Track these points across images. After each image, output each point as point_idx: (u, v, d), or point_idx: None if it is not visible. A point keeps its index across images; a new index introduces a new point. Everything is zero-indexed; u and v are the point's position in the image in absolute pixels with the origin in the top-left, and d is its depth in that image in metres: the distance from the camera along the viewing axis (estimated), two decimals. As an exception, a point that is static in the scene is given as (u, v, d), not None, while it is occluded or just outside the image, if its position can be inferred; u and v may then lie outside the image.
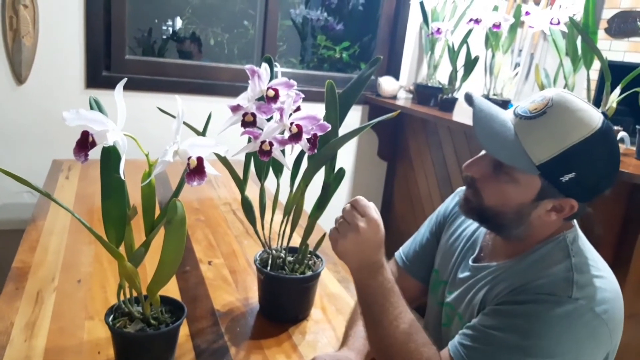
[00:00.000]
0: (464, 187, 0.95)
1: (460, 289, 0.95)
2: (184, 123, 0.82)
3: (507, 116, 0.83)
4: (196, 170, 0.73)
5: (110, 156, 0.76)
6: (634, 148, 1.75)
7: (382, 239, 0.87)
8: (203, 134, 0.87)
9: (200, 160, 0.73)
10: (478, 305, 0.88)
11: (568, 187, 0.79)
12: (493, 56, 2.22)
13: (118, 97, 0.72)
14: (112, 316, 0.86)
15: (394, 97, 2.64)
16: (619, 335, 0.82)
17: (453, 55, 2.28)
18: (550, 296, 0.78)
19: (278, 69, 0.97)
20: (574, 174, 0.78)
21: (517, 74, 2.32)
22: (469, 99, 0.84)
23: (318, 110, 0.89)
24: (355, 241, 0.85)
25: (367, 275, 0.86)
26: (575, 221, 0.89)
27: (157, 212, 0.84)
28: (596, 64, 1.87)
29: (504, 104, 2.13)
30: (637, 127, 1.69)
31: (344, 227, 0.87)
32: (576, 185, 0.79)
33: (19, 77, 2.02)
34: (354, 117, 2.66)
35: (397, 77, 2.69)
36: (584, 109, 0.79)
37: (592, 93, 1.86)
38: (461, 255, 1.00)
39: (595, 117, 0.79)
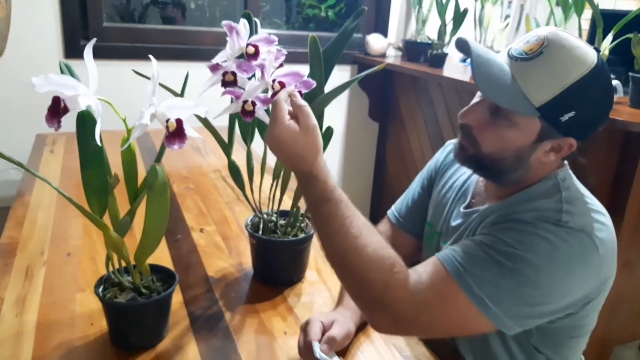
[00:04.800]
0: (453, 140, 0.93)
1: (453, 237, 0.94)
2: (161, 85, 0.79)
3: (502, 59, 0.81)
4: (176, 133, 0.70)
5: (86, 122, 0.72)
6: (626, 97, 1.73)
7: (303, 147, 0.76)
8: (181, 95, 0.84)
9: (179, 122, 0.70)
10: None
11: (567, 126, 0.78)
12: (482, 8, 2.17)
13: (88, 59, 0.68)
14: (102, 287, 0.85)
15: (383, 55, 2.59)
16: (609, 271, 0.81)
17: (441, 8, 2.22)
18: (538, 220, 0.78)
19: (259, 28, 0.93)
20: (573, 112, 0.77)
21: (507, 25, 2.27)
22: (463, 44, 0.81)
23: (304, 71, 0.86)
24: (271, 142, 0.77)
25: (301, 185, 0.80)
26: (566, 162, 0.88)
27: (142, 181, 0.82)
28: (587, 13, 1.83)
29: (495, 57, 2.08)
30: (630, 74, 1.66)
31: (270, 121, 0.77)
32: (575, 124, 0.78)
33: (-5, 50, 1.96)
34: (343, 77, 2.61)
35: (385, 35, 2.63)
36: (579, 45, 0.77)
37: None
38: (453, 204, 0.99)
39: (591, 54, 0.77)
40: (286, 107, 0.76)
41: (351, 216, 0.77)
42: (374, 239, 0.77)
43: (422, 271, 0.78)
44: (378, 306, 0.76)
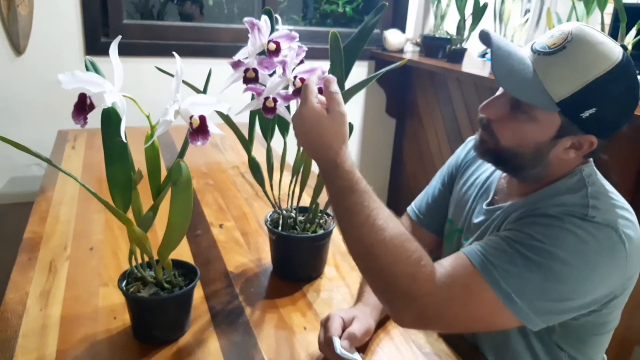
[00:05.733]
0: (473, 137, 0.92)
1: (475, 234, 0.94)
2: (184, 82, 0.80)
3: (524, 53, 0.80)
4: (199, 130, 0.70)
5: (110, 119, 0.73)
6: (650, 91, 1.70)
7: (331, 133, 0.75)
8: (204, 92, 0.84)
9: (202, 118, 0.70)
10: None
11: (588, 123, 0.77)
12: (502, 2, 2.14)
13: (113, 57, 0.69)
14: (125, 281, 0.86)
15: (401, 51, 2.57)
16: (634, 268, 0.80)
17: (461, 3, 2.19)
18: (565, 215, 0.77)
19: (279, 25, 0.93)
20: (594, 109, 0.76)
21: (527, 20, 2.24)
22: (485, 36, 0.80)
23: (325, 67, 0.85)
24: (301, 131, 0.77)
25: (324, 176, 0.79)
26: (591, 159, 0.87)
27: (165, 177, 0.83)
28: (609, 8, 1.80)
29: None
30: (654, 69, 1.63)
31: (297, 111, 0.77)
32: (596, 121, 0.77)
33: (17, 47, 1.99)
34: (360, 73, 2.60)
35: (403, 30, 2.61)
36: (604, 41, 0.76)
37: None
38: (475, 201, 0.99)
39: (616, 50, 0.76)
40: (316, 90, 0.76)
41: (377, 208, 0.76)
42: (400, 230, 0.76)
43: (448, 265, 0.77)
44: (404, 300, 0.75)
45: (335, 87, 0.77)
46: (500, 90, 0.84)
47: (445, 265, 0.78)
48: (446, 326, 0.80)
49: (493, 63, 0.77)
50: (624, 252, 0.76)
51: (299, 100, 0.78)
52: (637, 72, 1.71)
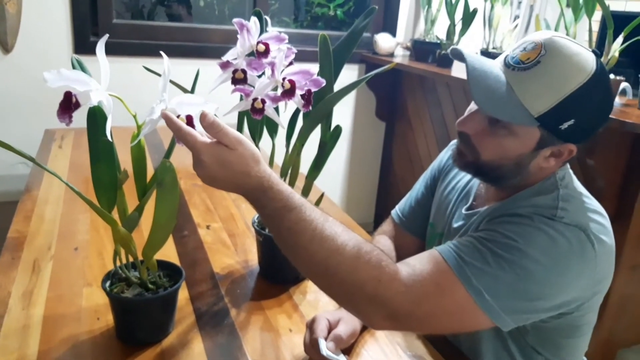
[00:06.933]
0: (455, 141, 0.93)
1: (455, 238, 0.94)
2: (172, 82, 0.79)
3: (498, 67, 0.80)
4: (185, 130, 0.70)
5: (96, 117, 0.73)
6: (636, 99, 1.72)
7: (242, 163, 0.69)
8: (191, 92, 0.84)
9: (189, 118, 0.70)
10: None
11: (567, 133, 0.78)
12: (492, 8, 2.16)
13: (100, 55, 0.68)
14: (109, 282, 0.85)
15: (391, 55, 2.58)
16: (604, 271, 0.80)
17: (451, 8, 2.21)
18: (534, 214, 0.77)
19: (269, 27, 0.93)
20: (572, 120, 0.76)
21: (516, 26, 2.26)
22: (458, 54, 0.81)
23: (314, 70, 0.85)
24: (207, 176, 0.70)
25: (255, 204, 0.73)
26: (567, 163, 0.88)
27: (151, 177, 0.82)
28: (597, 15, 1.82)
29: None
30: (640, 76, 1.66)
31: (194, 161, 0.70)
32: (575, 130, 0.77)
33: (5, 45, 1.97)
34: (350, 76, 2.61)
35: (393, 34, 2.63)
36: (578, 52, 0.76)
37: (594, 44, 1.82)
38: (455, 206, 0.99)
39: (590, 60, 0.76)
40: (195, 132, 0.69)
41: (319, 217, 0.72)
42: (350, 235, 0.73)
43: (417, 263, 0.76)
44: (373, 304, 0.73)
45: (210, 118, 0.69)
46: (475, 104, 0.84)
47: (412, 263, 0.76)
48: (419, 325, 0.78)
49: (470, 84, 0.77)
50: (593, 252, 0.76)
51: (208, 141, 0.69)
52: (623, 78, 1.73)
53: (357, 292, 0.72)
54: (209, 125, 0.68)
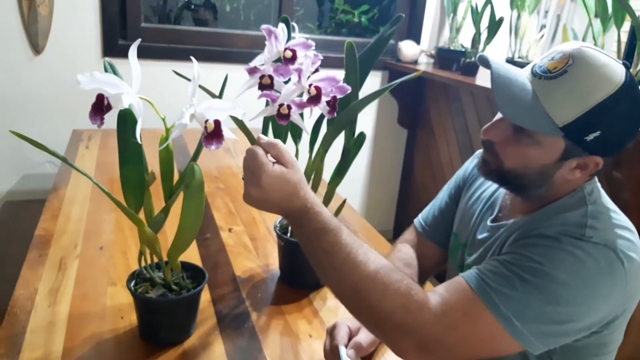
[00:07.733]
0: (481, 150, 0.92)
1: (479, 251, 0.93)
2: (200, 86, 0.80)
3: (525, 76, 0.79)
4: (213, 134, 0.71)
5: (127, 120, 0.74)
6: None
7: (294, 184, 0.73)
8: (220, 97, 0.85)
9: (217, 123, 0.71)
10: None
11: (593, 145, 0.76)
12: (519, 17, 2.14)
13: (132, 59, 0.70)
14: (133, 282, 0.87)
15: (415, 62, 2.58)
16: (635, 288, 0.78)
17: (476, 16, 2.20)
18: (562, 235, 0.76)
19: (296, 33, 0.94)
20: (599, 132, 0.75)
21: (543, 36, 2.24)
22: (484, 61, 0.80)
23: (339, 76, 0.86)
24: (260, 197, 0.73)
25: (294, 224, 0.76)
26: (595, 177, 0.86)
27: (177, 179, 0.83)
28: (626, 26, 1.79)
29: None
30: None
31: (247, 179, 0.74)
32: (601, 143, 0.76)
33: (36, 47, 2.02)
34: (374, 83, 2.61)
35: (417, 42, 2.62)
36: (607, 63, 0.75)
37: (622, 55, 1.79)
38: (480, 217, 0.98)
39: (619, 71, 0.75)
40: (262, 152, 0.73)
41: (354, 242, 0.74)
42: (382, 262, 0.75)
43: (444, 291, 0.76)
44: (401, 332, 0.73)
45: (272, 139, 0.74)
46: (500, 113, 0.84)
47: (440, 291, 0.76)
48: (448, 353, 0.77)
49: (495, 91, 0.76)
50: (623, 271, 0.75)
51: (259, 163, 0.72)
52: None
53: (386, 319, 0.73)
54: (270, 145, 0.73)
